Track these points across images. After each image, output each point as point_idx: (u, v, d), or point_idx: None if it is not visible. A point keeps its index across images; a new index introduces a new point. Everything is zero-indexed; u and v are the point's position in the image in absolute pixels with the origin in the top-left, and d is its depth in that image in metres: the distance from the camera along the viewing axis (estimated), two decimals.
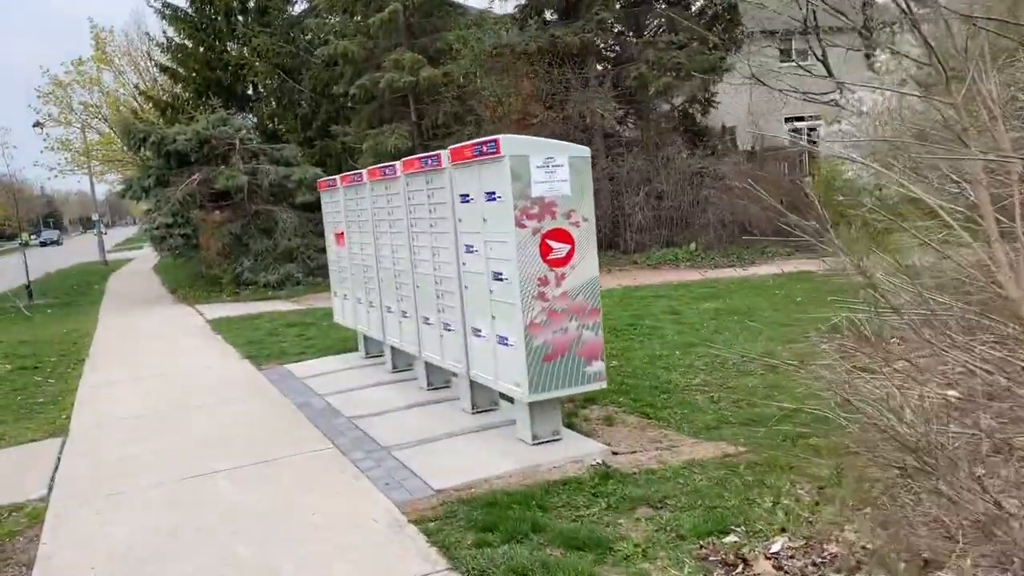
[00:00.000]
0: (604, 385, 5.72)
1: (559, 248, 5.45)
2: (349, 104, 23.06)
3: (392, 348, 8.52)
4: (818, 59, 23.24)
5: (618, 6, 20.79)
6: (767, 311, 11.31)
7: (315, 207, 21.90)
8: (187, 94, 26.89)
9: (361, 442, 6.37)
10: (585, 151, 5.54)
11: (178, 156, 19.54)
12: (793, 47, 27.38)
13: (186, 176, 19.45)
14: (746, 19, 23.24)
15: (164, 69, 27.73)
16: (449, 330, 6.63)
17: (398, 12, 19.28)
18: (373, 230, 8.17)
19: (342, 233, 9.17)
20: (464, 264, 6.15)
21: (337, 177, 9.12)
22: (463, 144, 5.91)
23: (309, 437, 6.67)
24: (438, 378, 7.79)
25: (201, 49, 26.09)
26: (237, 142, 19.87)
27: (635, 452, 5.70)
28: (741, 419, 6.47)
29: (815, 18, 23.67)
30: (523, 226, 5.35)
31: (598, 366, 5.63)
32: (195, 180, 19.25)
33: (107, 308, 18.38)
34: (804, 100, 24.89)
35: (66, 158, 38.69)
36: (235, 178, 18.96)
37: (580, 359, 5.56)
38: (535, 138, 5.50)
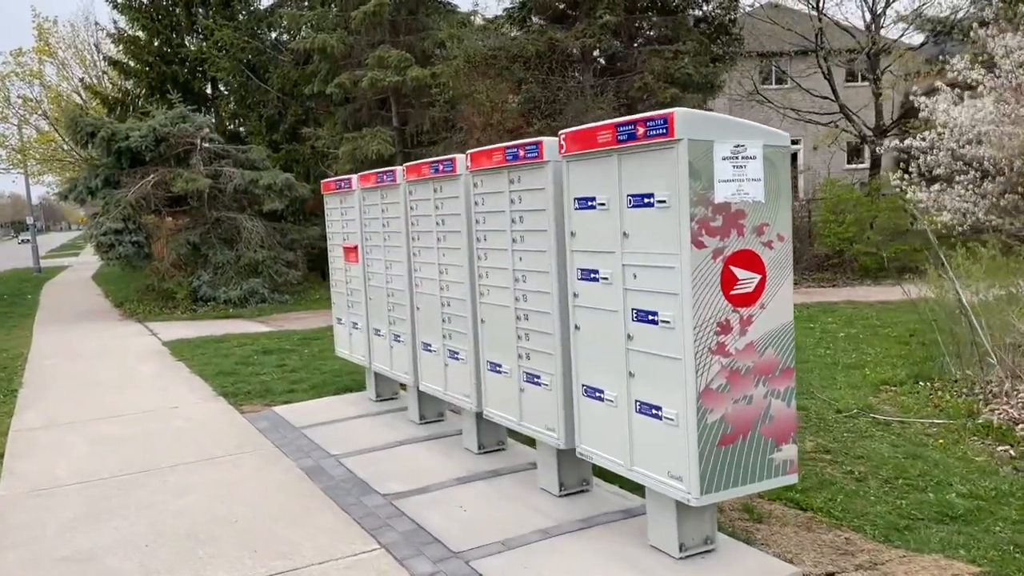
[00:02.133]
0: (795, 479, 4.00)
1: (746, 279, 3.73)
2: (321, 106, 21.15)
3: (421, 394, 6.71)
4: (825, 77, 22.19)
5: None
6: (812, 347, 9.77)
7: (283, 216, 20.07)
8: (139, 90, 24.66)
9: (417, 540, 4.53)
10: (783, 137, 3.84)
11: (131, 155, 17.36)
12: (789, 69, 26.44)
13: (139, 177, 17.30)
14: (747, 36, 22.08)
15: (114, 63, 25.44)
16: (537, 384, 4.85)
17: (384, 6, 17.47)
18: (408, 245, 6.36)
19: (355, 247, 7.33)
20: (576, 297, 4.39)
21: (353, 177, 7.28)
22: (586, 127, 4.17)
23: (338, 528, 4.80)
24: (491, 438, 6.00)
25: (156, 42, 23.93)
26: (198, 141, 17.80)
27: (835, 574, 3.98)
28: (924, 512, 4.83)
29: (821, 39, 22.64)
30: (701, 245, 3.62)
31: (788, 451, 3.90)
32: (150, 182, 17.11)
33: (43, 324, 16.07)
34: (803, 121, 23.83)
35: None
36: (195, 181, 16.87)
37: (766, 441, 3.84)
38: (721, 115, 3.77)
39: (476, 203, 5.31)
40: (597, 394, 4.30)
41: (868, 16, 22.30)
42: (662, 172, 3.69)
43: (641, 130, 3.72)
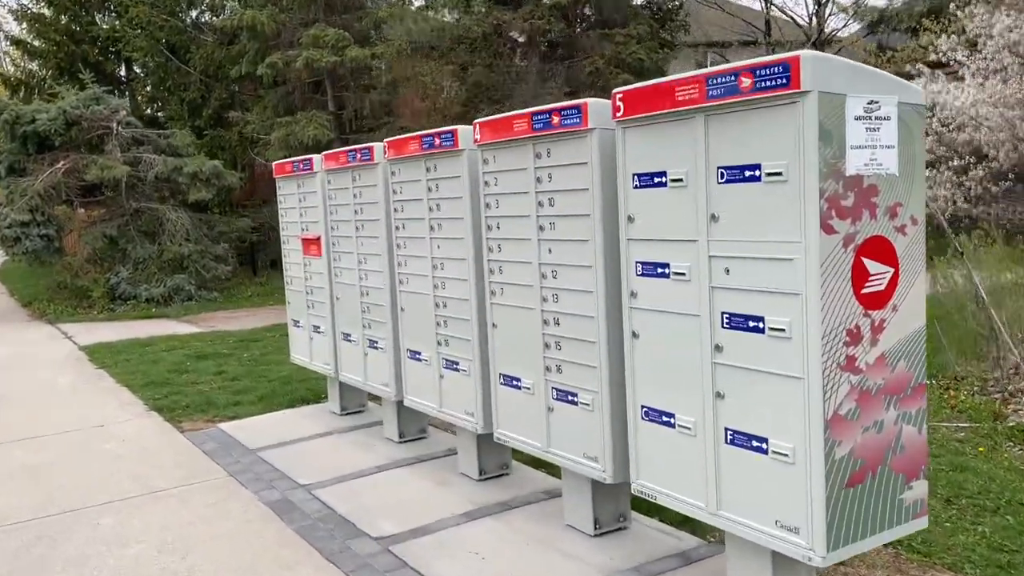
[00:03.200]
0: (926, 523, 3.21)
1: (878, 274, 2.92)
2: (248, 90, 19.81)
3: (402, 407, 5.76)
4: None
5: None
6: None
7: (208, 208, 18.64)
8: (46, 71, 22.76)
9: None
10: (917, 93, 3.03)
11: (38, 139, 15.77)
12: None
13: (48, 164, 15.73)
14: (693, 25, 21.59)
15: (17, 42, 23.45)
16: (573, 402, 3.97)
17: None
18: (391, 236, 5.40)
19: (318, 239, 6.32)
20: (634, 295, 3.52)
21: (316, 157, 6.27)
22: (651, 83, 3.32)
23: None
24: (492, 462, 5.10)
25: (64, 19, 22.11)
26: (115, 125, 16.29)
27: None
28: (1017, 542, 4.14)
29: (768, 28, 22.34)
30: (831, 230, 2.79)
31: (919, 489, 3.12)
32: (60, 169, 15.56)
33: None
34: None
35: None
36: (112, 168, 15.40)
37: (896, 477, 3.04)
38: (848, 61, 2.93)
39: (484, 183, 4.40)
40: (665, 419, 3.45)
41: (813, 6, 22.06)
42: (777, 136, 2.84)
43: (747, 81, 2.87)
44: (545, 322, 4.11)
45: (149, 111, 23.05)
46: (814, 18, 22.13)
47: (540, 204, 4.06)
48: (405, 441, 5.93)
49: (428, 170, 4.91)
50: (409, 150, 5.00)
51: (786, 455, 2.92)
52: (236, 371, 9.17)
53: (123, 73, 23.58)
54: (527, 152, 4.09)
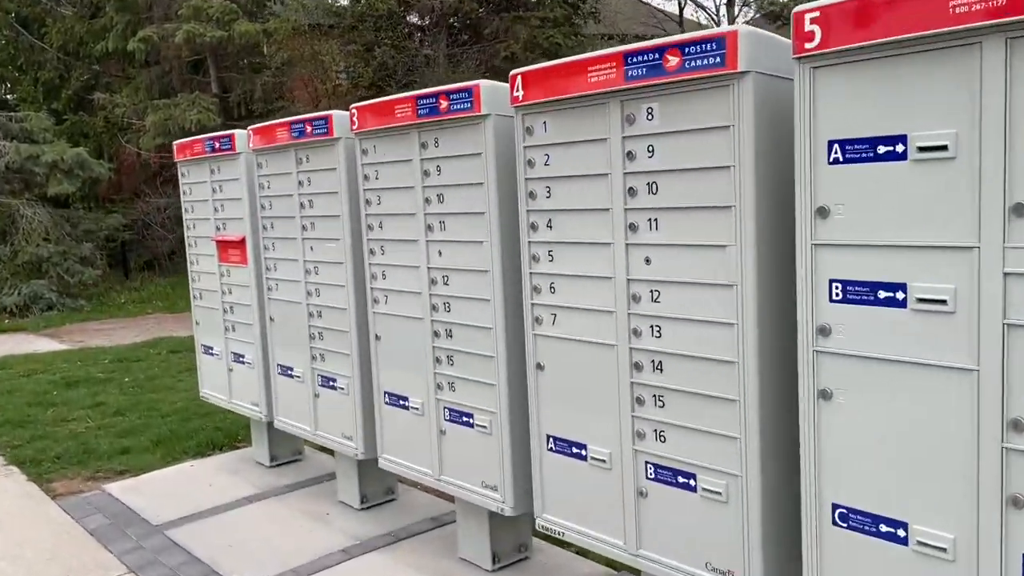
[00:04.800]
0: None
1: None
2: (114, 69, 17.60)
3: (365, 468, 4.33)
4: None
5: None
6: None
7: (71, 202, 16.28)
8: None
9: None
10: None
11: None
12: None
13: None
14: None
15: None
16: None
17: None
18: (350, 233, 3.96)
19: (242, 241, 4.78)
20: (825, 331, 2.24)
21: (236, 133, 4.72)
22: None
23: None
24: (511, 546, 3.74)
25: None
26: None
27: None
28: None
29: (682, 18, 21.69)
30: None
31: None
32: None
33: None
34: None
35: None
36: None
37: None
38: None
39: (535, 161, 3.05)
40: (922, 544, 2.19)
41: None
42: None
43: None
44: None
45: None
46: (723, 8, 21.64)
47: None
48: (367, 507, 4.47)
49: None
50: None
51: None
52: (118, 402, 7.41)
53: None
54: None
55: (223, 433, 6.07)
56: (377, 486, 4.54)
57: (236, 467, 5.33)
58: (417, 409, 3.77)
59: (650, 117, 2.66)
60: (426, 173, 3.51)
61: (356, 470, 4.45)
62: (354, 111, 3.82)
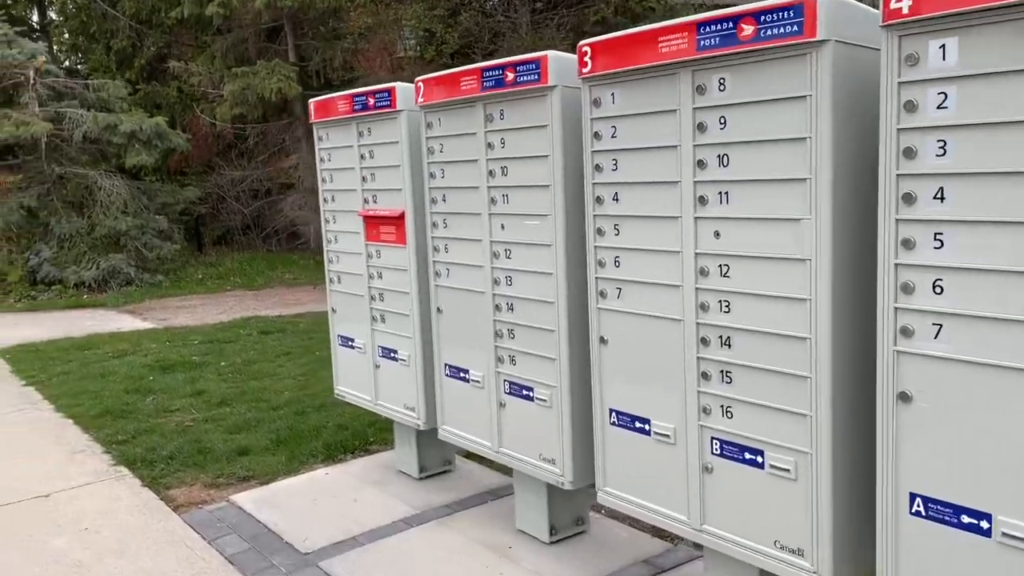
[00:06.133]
0: None
1: None
2: (187, 38, 17.07)
3: (555, 492, 3.60)
4: None
5: None
6: None
7: (143, 174, 15.78)
8: None
9: None
10: None
11: None
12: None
13: None
14: None
15: None
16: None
17: None
18: (593, 199, 3.18)
19: (400, 216, 4.05)
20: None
21: (396, 85, 3.98)
22: None
23: None
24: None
25: None
26: (31, 74, 13.46)
27: None
28: None
29: None
30: None
31: None
32: None
33: None
34: None
35: None
36: (29, 126, 12.65)
37: None
38: None
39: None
40: None
41: None
42: None
43: None
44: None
45: (68, 63, 20.00)
46: None
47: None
48: (558, 540, 3.75)
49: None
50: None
51: None
52: (220, 391, 6.81)
53: (36, 19, 20.41)
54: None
55: (350, 433, 5.40)
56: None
57: (379, 478, 4.64)
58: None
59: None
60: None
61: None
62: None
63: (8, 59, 13.29)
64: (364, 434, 5.38)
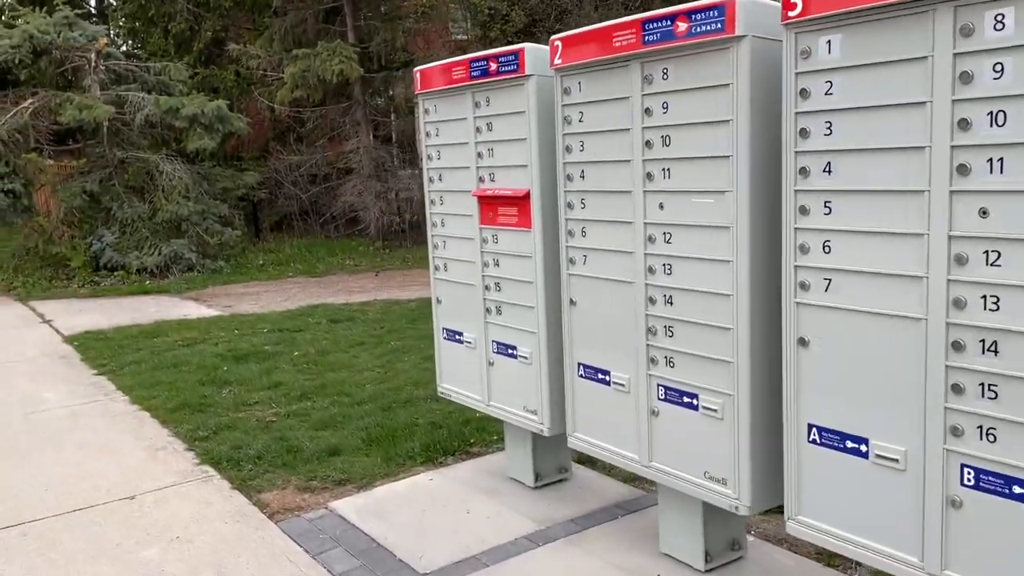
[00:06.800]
0: None
1: None
2: (244, 20, 16.82)
3: (711, 510, 3.17)
4: None
5: None
6: None
7: (202, 158, 15.54)
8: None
9: None
10: None
11: None
12: None
13: (12, 103, 12.77)
14: None
15: None
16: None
17: None
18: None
19: (524, 197, 3.63)
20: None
21: (525, 47, 3.56)
22: None
23: None
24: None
25: None
26: (93, 56, 13.28)
27: None
28: None
29: None
30: None
31: None
32: (27, 109, 12.60)
33: None
34: None
35: None
36: (91, 109, 12.45)
37: None
38: None
39: None
40: None
41: None
42: None
43: None
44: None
45: (126, 47, 19.89)
46: None
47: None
48: (714, 568, 3.32)
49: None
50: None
51: None
52: (298, 383, 6.49)
53: (93, 3, 20.35)
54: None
55: (446, 432, 5.02)
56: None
57: (488, 485, 4.24)
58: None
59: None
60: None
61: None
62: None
63: (70, 41, 13.12)
64: (461, 434, 5.00)
